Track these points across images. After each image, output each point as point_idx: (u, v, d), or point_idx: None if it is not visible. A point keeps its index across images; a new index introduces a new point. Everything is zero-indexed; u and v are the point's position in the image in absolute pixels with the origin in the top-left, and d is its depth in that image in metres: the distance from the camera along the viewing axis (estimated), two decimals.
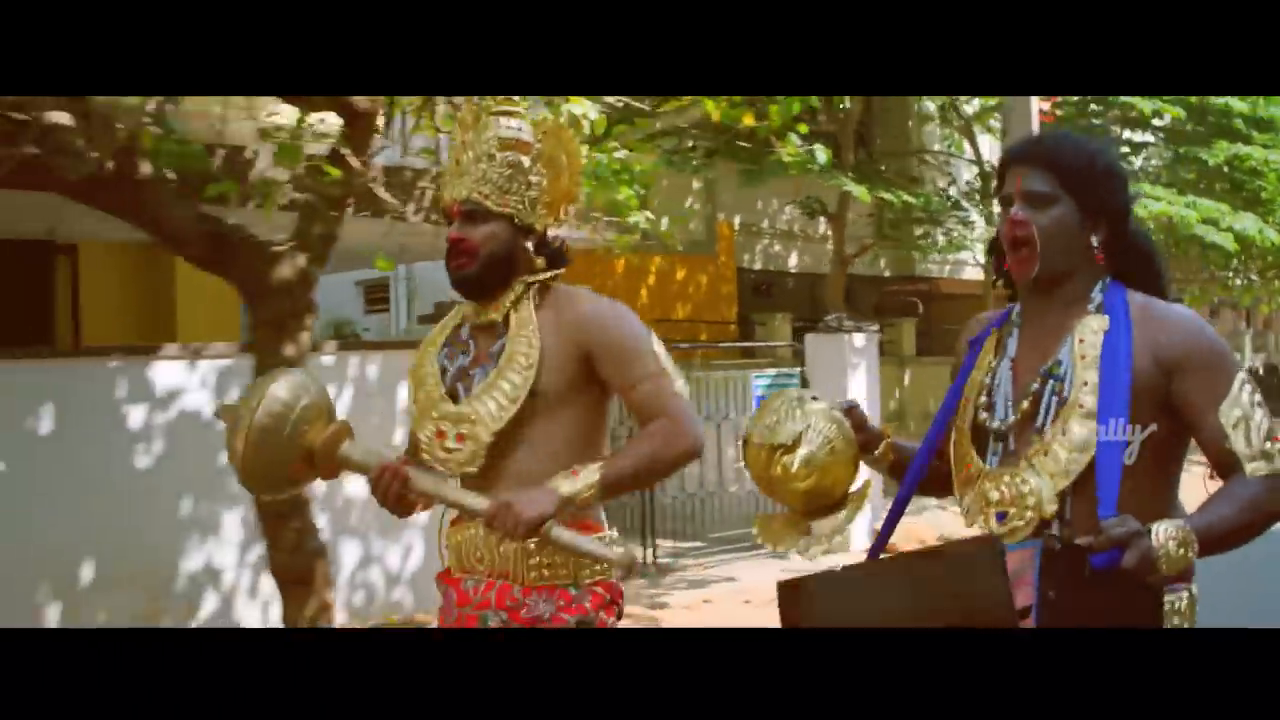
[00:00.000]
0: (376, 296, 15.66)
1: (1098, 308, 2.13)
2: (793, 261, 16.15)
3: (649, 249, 10.23)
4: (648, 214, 7.67)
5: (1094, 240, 2.13)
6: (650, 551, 8.53)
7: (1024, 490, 2.08)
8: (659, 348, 2.69)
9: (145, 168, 5.10)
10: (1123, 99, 11.31)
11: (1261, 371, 22.50)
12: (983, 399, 2.21)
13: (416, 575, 6.75)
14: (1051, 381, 2.11)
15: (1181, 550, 1.90)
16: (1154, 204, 10.89)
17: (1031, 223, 2.12)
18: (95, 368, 5.70)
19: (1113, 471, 2.02)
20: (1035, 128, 9.52)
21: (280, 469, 2.57)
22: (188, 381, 5.94)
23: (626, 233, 8.72)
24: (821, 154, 7.07)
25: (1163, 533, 1.89)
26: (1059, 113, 13.14)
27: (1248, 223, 11.54)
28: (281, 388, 2.52)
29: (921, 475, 2.35)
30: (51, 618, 5.55)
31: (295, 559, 5.50)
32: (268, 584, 6.23)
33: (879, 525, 2.70)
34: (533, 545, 2.52)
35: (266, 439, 2.48)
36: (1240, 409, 2.06)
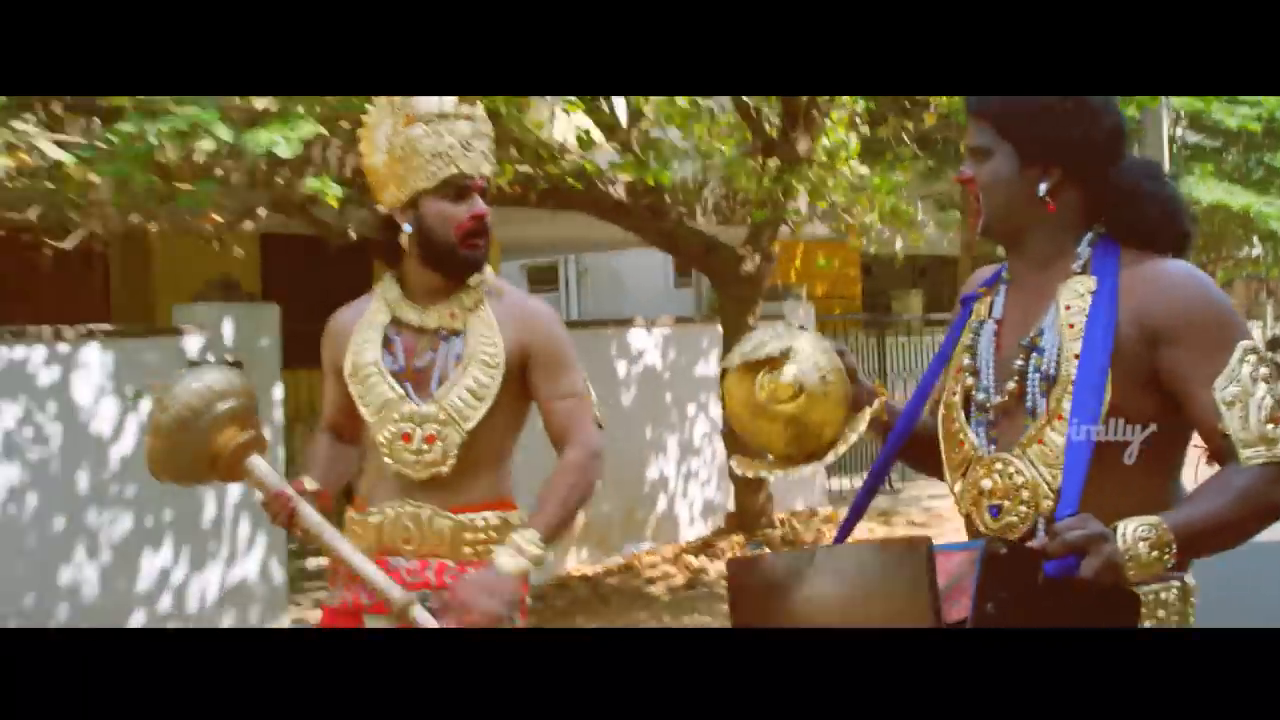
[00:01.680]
0: (541, 279, 17.98)
1: (1084, 266, 1.86)
2: (898, 245, 18.62)
3: (834, 239, 12.64)
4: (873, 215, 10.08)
5: (1041, 188, 1.86)
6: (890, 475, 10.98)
7: (1018, 482, 1.83)
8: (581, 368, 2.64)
9: (664, 198, 7.54)
10: (1208, 114, 13.83)
11: None
12: (967, 361, 1.97)
13: None
14: (1034, 355, 1.85)
15: (1155, 553, 1.65)
16: (1240, 199, 13.58)
17: (974, 178, 1.93)
18: (592, 335, 8.09)
19: (1078, 461, 1.74)
20: (1165, 140, 11.89)
21: (182, 464, 2.47)
22: (646, 344, 8.37)
23: (857, 231, 11.13)
24: None
25: (1131, 533, 1.64)
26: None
27: None
28: (203, 387, 2.42)
29: (901, 443, 2.08)
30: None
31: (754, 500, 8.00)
32: (694, 487, 8.71)
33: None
34: (464, 520, 2.52)
35: (175, 433, 2.40)
36: (1238, 384, 1.74)
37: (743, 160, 8.57)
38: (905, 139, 9.89)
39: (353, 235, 6.41)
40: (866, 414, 2.02)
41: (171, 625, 6.04)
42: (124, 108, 4.73)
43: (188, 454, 2.43)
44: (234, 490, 6.27)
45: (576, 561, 7.89)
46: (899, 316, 14.18)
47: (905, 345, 11.99)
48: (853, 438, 2.03)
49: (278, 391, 6.53)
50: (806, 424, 2.00)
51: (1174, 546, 1.65)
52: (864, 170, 9.26)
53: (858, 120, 9.34)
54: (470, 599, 2.35)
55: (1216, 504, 1.72)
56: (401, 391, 2.54)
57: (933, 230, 18.58)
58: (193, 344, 6.22)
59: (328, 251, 10.94)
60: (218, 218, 4.96)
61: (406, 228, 2.54)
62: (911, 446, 2.08)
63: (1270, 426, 1.72)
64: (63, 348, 5.82)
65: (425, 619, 2.36)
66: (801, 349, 2.01)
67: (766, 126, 7.71)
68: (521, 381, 2.57)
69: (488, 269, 2.61)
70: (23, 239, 5.82)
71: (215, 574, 6.26)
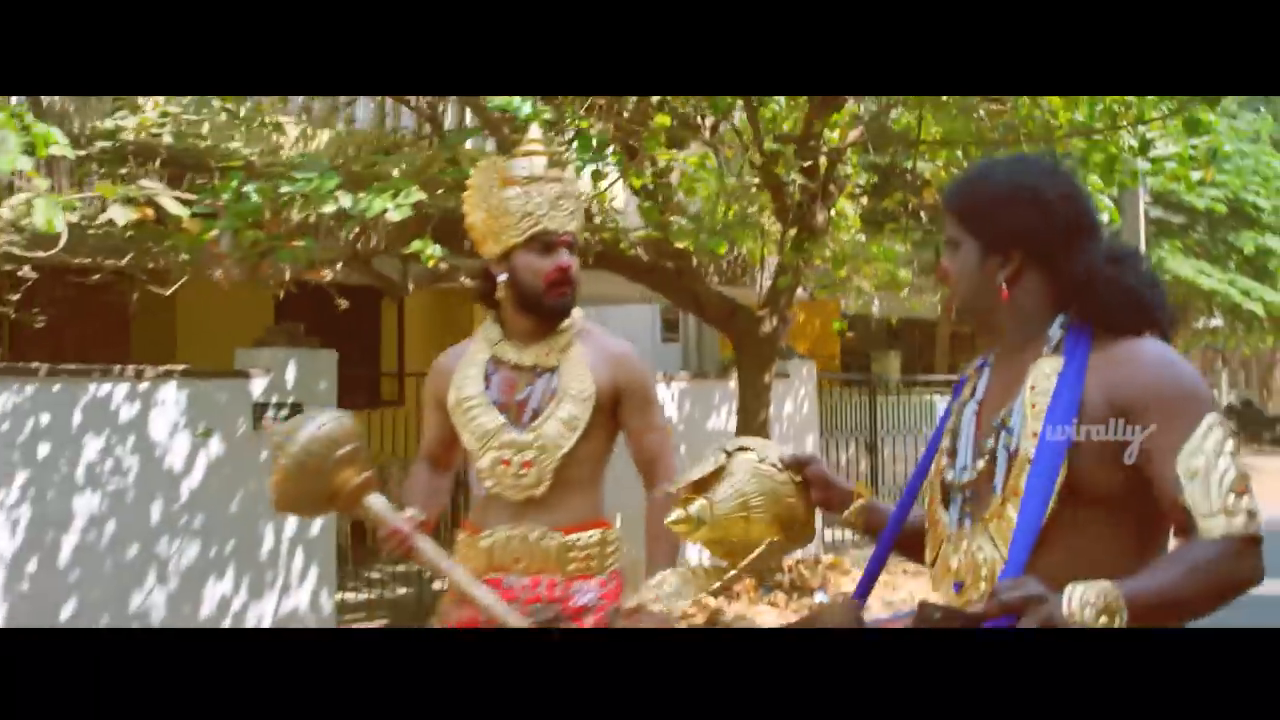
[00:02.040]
0: None
1: (1055, 347, 1.87)
2: (875, 308, 19.31)
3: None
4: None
5: (1000, 276, 1.91)
6: None
7: (979, 559, 1.84)
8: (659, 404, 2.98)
9: (691, 261, 8.02)
10: (1178, 195, 14.58)
11: (1239, 405, 25.86)
12: (947, 442, 2.00)
13: None
14: (1003, 434, 1.87)
15: (1104, 619, 1.58)
16: (1209, 279, 14.38)
17: (948, 270, 1.99)
18: None
19: (1027, 529, 1.75)
20: (1141, 218, 12.61)
21: (303, 501, 2.73)
22: (664, 397, 8.82)
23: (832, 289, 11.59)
24: None
25: (1077, 597, 1.59)
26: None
27: (1273, 295, 15.34)
28: (323, 434, 2.61)
29: (896, 533, 2.11)
30: None
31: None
32: None
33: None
34: (569, 540, 2.76)
35: (297, 475, 2.60)
36: (1202, 457, 1.70)
37: (746, 226, 9.09)
38: (910, 211, 10.47)
39: (410, 288, 6.85)
40: (786, 538, 2.08)
41: None
42: (231, 169, 5.16)
43: (310, 494, 2.66)
44: (290, 525, 6.64)
45: None
46: (888, 376, 14.73)
47: (894, 404, 12.51)
48: (756, 551, 2.06)
49: None
50: (731, 544, 2.08)
51: (1124, 615, 1.61)
52: (861, 238, 9.81)
53: (858, 191, 9.90)
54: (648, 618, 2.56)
55: (1170, 576, 1.68)
56: (502, 421, 2.79)
57: (906, 293, 19.44)
58: (257, 386, 6.59)
59: (335, 300, 11.36)
60: (327, 273, 5.37)
61: (501, 277, 2.80)
62: (908, 537, 2.09)
63: (1231, 499, 1.69)
64: (142, 386, 6.18)
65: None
66: (733, 475, 2.07)
67: (788, 199, 8.22)
68: (611, 414, 2.85)
69: (577, 313, 2.88)
70: (91, 281, 6.22)
71: (270, 603, 6.60)
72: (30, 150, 3.89)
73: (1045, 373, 1.84)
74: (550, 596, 2.76)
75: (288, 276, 6.01)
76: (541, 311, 2.82)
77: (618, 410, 2.85)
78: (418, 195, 4.83)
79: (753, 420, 8.26)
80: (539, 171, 2.83)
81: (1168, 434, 1.73)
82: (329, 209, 4.68)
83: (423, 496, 2.97)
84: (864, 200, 10.48)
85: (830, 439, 11.00)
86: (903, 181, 9.97)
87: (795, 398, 10.10)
